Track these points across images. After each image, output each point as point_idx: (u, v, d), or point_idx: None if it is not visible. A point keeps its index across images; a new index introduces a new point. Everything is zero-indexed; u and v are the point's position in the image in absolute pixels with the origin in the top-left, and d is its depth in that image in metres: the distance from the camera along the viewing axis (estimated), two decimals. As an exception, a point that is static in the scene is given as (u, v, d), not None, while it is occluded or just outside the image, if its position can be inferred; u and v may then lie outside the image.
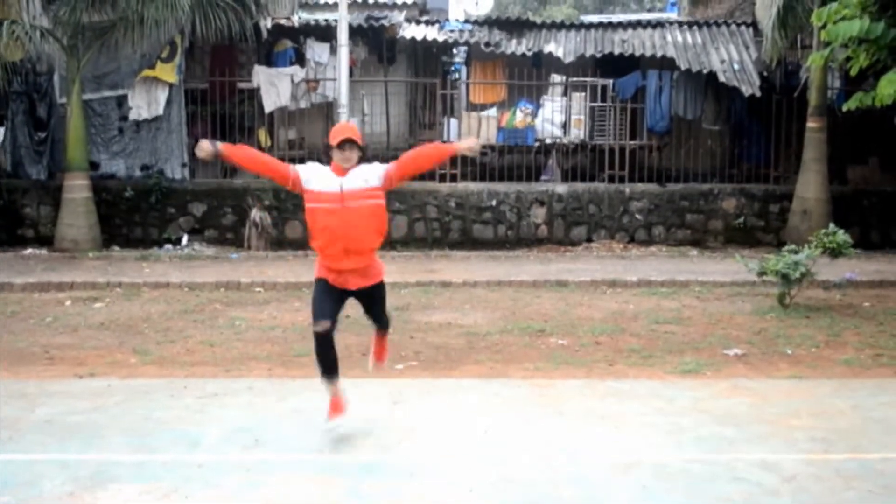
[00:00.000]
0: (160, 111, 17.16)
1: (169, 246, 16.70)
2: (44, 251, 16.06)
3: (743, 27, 18.70)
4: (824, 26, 12.15)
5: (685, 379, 8.71)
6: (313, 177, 6.76)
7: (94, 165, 16.97)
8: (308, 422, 7.38)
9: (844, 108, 13.09)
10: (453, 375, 8.81)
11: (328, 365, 7.08)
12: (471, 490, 5.96)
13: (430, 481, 6.12)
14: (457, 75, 18.55)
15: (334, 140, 6.71)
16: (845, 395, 8.15)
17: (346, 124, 7.78)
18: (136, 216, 17.15)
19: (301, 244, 16.73)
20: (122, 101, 17.33)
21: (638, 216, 17.40)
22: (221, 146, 6.80)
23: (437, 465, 6.44)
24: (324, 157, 6.99)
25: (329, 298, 6.98)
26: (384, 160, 17.04)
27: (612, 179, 17.56)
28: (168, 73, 17.09)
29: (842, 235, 11.99)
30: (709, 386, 8.47)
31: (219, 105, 17.55)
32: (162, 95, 17.14)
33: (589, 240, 17.30)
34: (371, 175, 6.78)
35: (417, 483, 6.10)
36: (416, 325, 10.91)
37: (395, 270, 14.30)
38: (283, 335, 10.48)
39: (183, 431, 7.11)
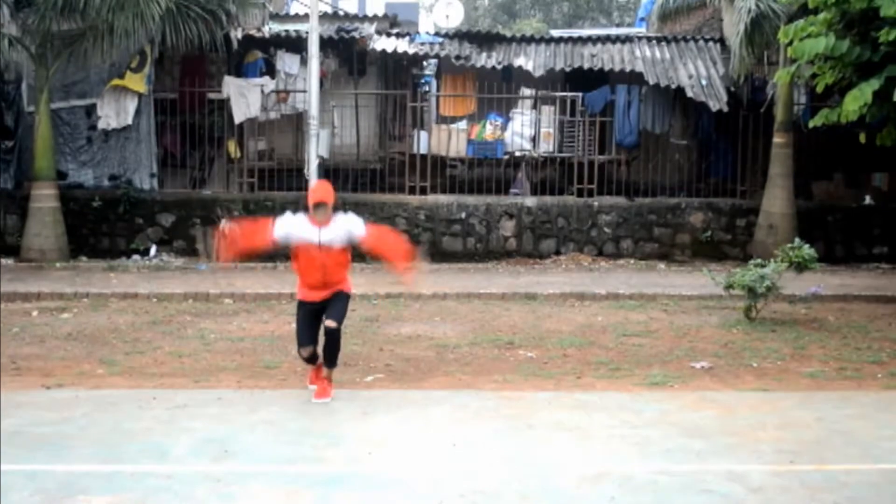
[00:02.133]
0: (129, 121, 17.07)
1: (137, 257, 16.61)
2: (10, 261, 15.92)
3: (711, 43, 18.87)
4: (791, 43, 12.33)
5: (653, 391, 8.78)
6: (294, 230, 8.12)
7: (61, 175, 16.85)
8: (278, 433, 7.41)
9: (811, 125, 13.29)
10: (423, 387, 8.84)
11: (313, 362, 8.48)
12: (440, 502, 5.99)
13: (399, 493, 6.15)
14: (427, 88, 18.59)
15: (310, 201, 8.11)
16: (810, 408, 8.26)
17: (321, 185, 8.92)
18: (104, 226, 17.04)
19: (270, 256, 16.72)
20: (90, 111, 17.22)
21: (606, 230, 17.50)
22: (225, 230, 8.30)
23: (406, 478, 6.46)
24: (303, 209, 8.28)
25: (309, 324, 8.32)
26: (354, 171, 17.07)
27: (580, 193, 17.65)
28: (137, 82, 17.02)
29: (807, 250, 12.12)
30: (676, 398, 8.55)
31: (188, 115, 17.47)
32: (131, 105, 17.06)
33: (558, 253, 17.37)
34: (343, 234, 8.13)
35: (386, 495, 6.12)
36: (386, 338, 10.92)
37: (364, 282, 14.27)
38: (252, 346, 10.46)
39: (152, 443, 7.10)
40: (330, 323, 8.17)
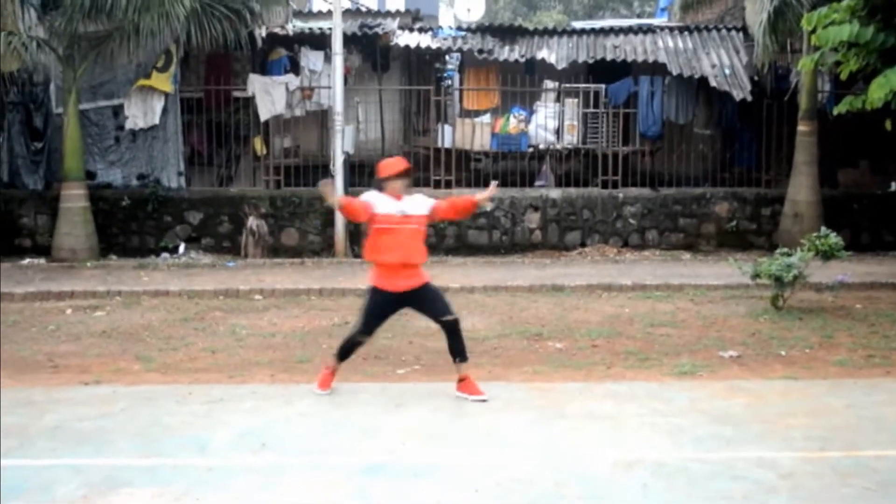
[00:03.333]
0: (156, 120, 17.25)
1: (166, 254, 16.78)
2: (42, 261, 16.15)
3: (733, 32, 18.88)
4: (814, 31, 12.32)
5: (682, 380, 8.85)
6: (378, 203, 8.14)
7: (90, 175, 17.05)
8: (314, 425, 7.53)
9: (835, 112, 13.28)
10: (453, 379, 8.90)
11: (345, 356, 8.50)
12: (476, 491, 6.10)
13: (436, 482, 6.26)
14: (449, 82, 18.68)
15: (391, 171, 8.16)
16: (839, 395, 8.31)
17: (394, 159, 8.64)
18: (133, 225, 17.23)
19: (297, 252, 16.90)
20: (118, 111, 17.41)
21: (631, 221, 17.55)
22: (340, 199, 8.64)
23: (441, 467, 6.57)
24: (376, 187, 8.37)
25: (381, 314, 8.34)
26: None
27: (605, 184, 17.70)
28: (163, 82, 17.19)
29: (834, 238, 12.14)
30: (705, 387, 8.62)
31: (214, 114, 17.65)
32: (158, 104, 17.24)
33: (583, 244, 17.43)
34: (419, 205, 8.24)
35: (423, 484, 6.23)
36: (415, 330, 11.01)
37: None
38: (283, 341, 10.60)
39: (191, 436, 7.23)
40: (447, 317, 8.14)
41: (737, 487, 6.12)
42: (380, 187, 8.27)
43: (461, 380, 8.29)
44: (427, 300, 8.24)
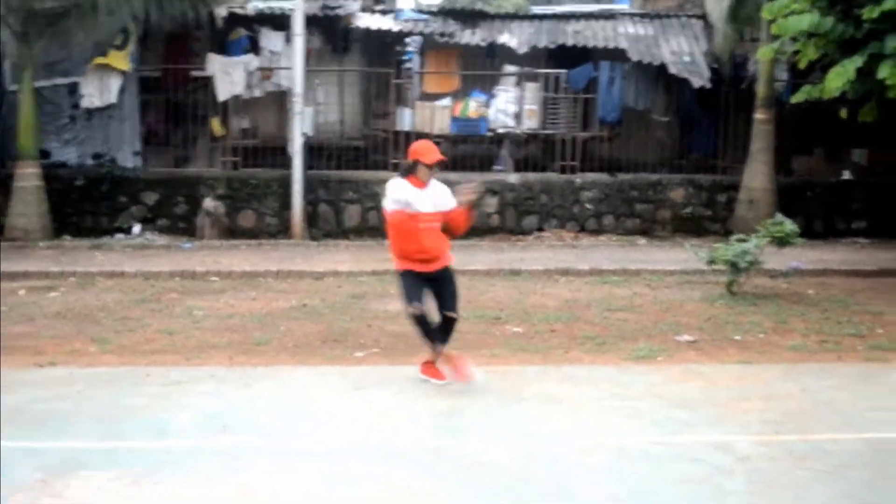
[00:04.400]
0: (113, 99, 17.02)
1: (121, 235, 16.59)
2: (-7, 240, 15.94)
3: (693, 19, 18.96)
4: (774, 20, 12.44)
5: (639, 365, 8.94)
6: (408, 196, 7.89)
7: (44, 154, 16.79)
8: (275, 408, 7.52)
9: (793, 101, 13.43)
10: (413, 363, 8.88)
11: (432, 335, 8.08)
12: (443, 476, 6.12)
13: (402, 466, 6.29)
14: (410, 65, 18.61)
15: (427, 160, 7.94)
16: (793, 379, 8.43)
17: (431, 143, 8.34)
18: (88, 205, 17.00)
19: (254, 234, 16.80)
20: (73, 89, 17.15)
21: (588, 206, 17.62)
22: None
23: (406, 451, 6.59)
24: (403, 170, 8.21)
25: (420, 286, 8.03)
26: (338, 149, 17.14)
27: (563, 170, 17.74)
28: (121, 60, 16.96)
29: (789, 225, 12.28)
30: (662, 371, 8.71)
31: (172, 93, 17.46)
32: (115, 83, 17.01)
33: (540, 229, 17.48)
34: (445, 196, 8.06)
35: (389, 468, 6.25)
36: (374, 314, 11.03)
37: (348, 259, 14.47)
38: (241, 324, 10.54)
39: (150, 419, 7.20)
40: (452, 314, 8.10)
41: (697, 471, 6.20)
42: (411, 170, 8.01)
43: (449, 358, 8.16)
44: (445, 289, 8.11)
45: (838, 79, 11.81)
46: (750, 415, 7.38)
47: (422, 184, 7.97)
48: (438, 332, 8.15)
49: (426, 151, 8.03)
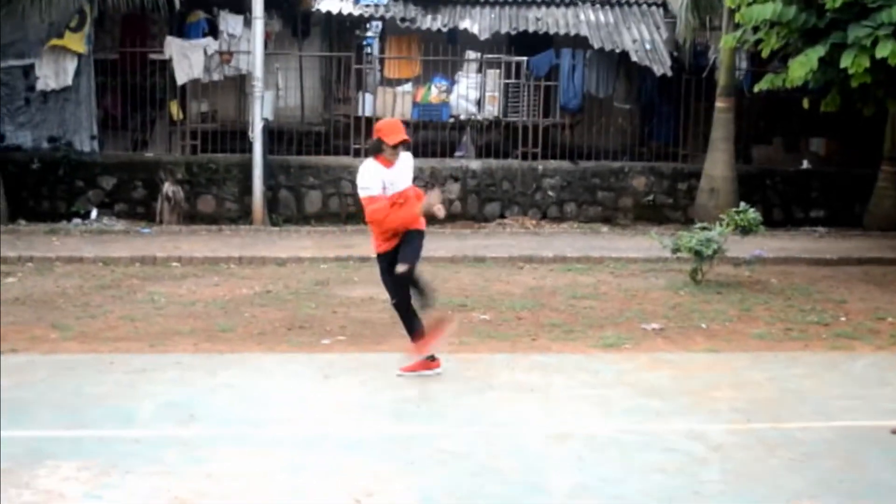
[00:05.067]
0: (69, 81, 16.70)
1: (77, 220, 16.32)
2: (-54, 224, 15.61)
3: (654, 7, 18.98)
4: (738, 9, 12.49)
5: (607, 353, 8.94)
6: (382, 177, 7.79)
7: (-1, 136, 16.53)
8: (242, 396, 7.42)
9: (756, 89, 13.53)
10: (380, 350, 8.88)
11: (413, 322, 8.04)
12: (411, 462, 6.07)
13: (370, 454, 6.22)
14: (369, 50, 18.47)
15: (391, 140, 7.76)
16: (761, 368, 8.47)
17: (396, 122, 8.30)
18: (43, 189, 16.70)
19: (214, 219, 16.61)
20: (28, 71, 16.79)
21: (550, 193, 17.62)
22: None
23: (374, 439, 6.54)
24: (370, 150, 8.15)
25: (389, 263, 7.89)
26: (299, 134, 16.98)
27: (525, 156, 17.72)
28: (77, 42, 16.65)
29: (752, 214, 12.36)
30: (631, 359, 8.71)
31: (129, 76, 17.18)
32: (71, 66, 16.69)
33: (502, 216, 17.45)
34: (410, 170, 8.03)
35: (356, 455, 6.19)
36: (338, 300, 10.93)
37: (310, 245, 14.35)
38: (204, 310, 10.41)
39: (115, 407, 7.07)
40: (402, 267, 7.75)
41: (669, 459, 6.20)
42: (377, 149, 7.90)
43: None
44: (405, 243, 7.94)
45: (801, 68, 11.89)
46: (720, 403, 7.39)
47: (389, 163, 7.84)
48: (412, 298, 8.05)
49: (389, 131, 7.87)
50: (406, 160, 8.02)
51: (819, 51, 11.73)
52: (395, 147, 7.79)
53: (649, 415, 7.11)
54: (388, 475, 5.85)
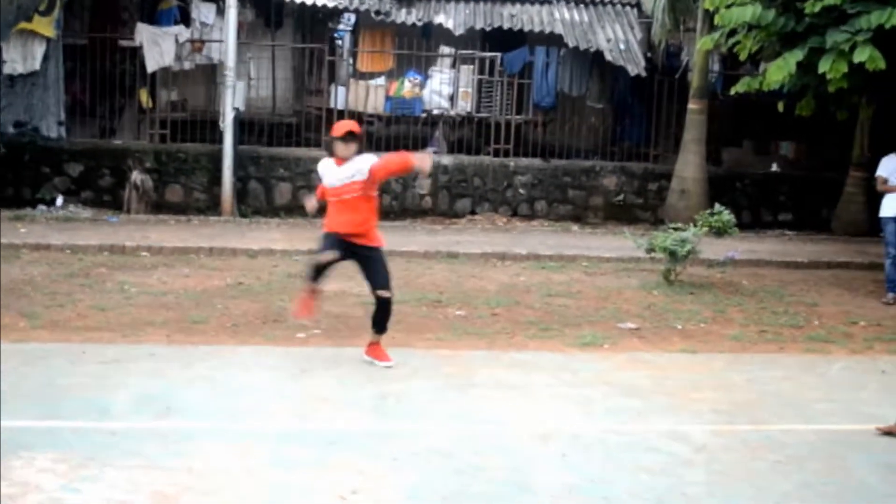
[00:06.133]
0: (36, 66, 16.40)
1: (43, 206, 16.05)
2: None
3: (628, 7, 18.97)
4: (716, 11, 12.49)
5: (585, 351, 8.91)
6: (325, 171, 8.14)
7: (-36, 120, 16.21)
8: (218, 389, 7.32)
9: (733, 91, 13.54)
10: (356, 344, 8.75)
11: (316, 276, 8.34)
12: (395, 459, 5.99)
13: (353, 450, 6.14)
14: (339, 42, 18.33)
15: (336, 133, 7.97)
16: (739, 369, 8.48)
17: (347, 120, 8.64)
18: (9, 175, 16.40)
19: (182, 209, 16.40)
20: (-6, 55, 16.57)
21: (521, 190, 17.58)
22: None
23: (355, 434, 6.46)
24: (325, 149, 8.55)
25: (335, 243, 8.06)
26: (269, 125, 16.82)
27: (497, 153, 17.66)
28: (45, 26, 16.36)
29: (727, 216, 12.39)
30: (608, 359, 8.69)
31: (99, 62, 16.93)
32: (39, 50, 16.40)
33: (473, 212, 17.38)
34: (361, 168, 7.93)
35: (339, 451, 6.11)
36: (312, 294, 10.80)
37: (280, 238, 14.20)
38: (176, 301, 10.25)
39: (89, 398, 6.94)
40: (383, 293, 8.03)
41: (654, 460, 6.17)
42: (329, 150, 8.17)
43: (372, 344, 8.23)
44: (371, 267, 8.12)
45: (779, 71, 11.91)
46: (701, 404, 7.38)
47: (340, 160, 7.97)
48: (375, 319, 8.21)
49: (336, 126, 8.17)
50: (361, 161, 7.99)
51: (797, 55, 11.75)
52: (341, 138, 7.91)
53: (631, 415, 7.09)
54: (372, 472, 5.78)
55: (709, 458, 6.24)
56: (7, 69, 16.42)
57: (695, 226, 12.28)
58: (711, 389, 7.78)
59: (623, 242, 13.87)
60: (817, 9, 11.43)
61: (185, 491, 5.42)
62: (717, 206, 12.66)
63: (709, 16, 14.74)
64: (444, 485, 5.67)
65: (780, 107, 13.35)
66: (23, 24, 16.23)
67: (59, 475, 5.53)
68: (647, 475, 5.92)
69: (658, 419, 7.01)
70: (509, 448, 6.28)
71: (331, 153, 8.11)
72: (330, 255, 8.06)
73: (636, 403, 7.33)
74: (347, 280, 11.39)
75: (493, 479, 5.79)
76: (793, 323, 10.36)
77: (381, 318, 8.16)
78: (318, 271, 8.29)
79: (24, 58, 16.38)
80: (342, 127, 8.04)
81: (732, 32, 13.08)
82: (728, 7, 12.20)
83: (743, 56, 12.85)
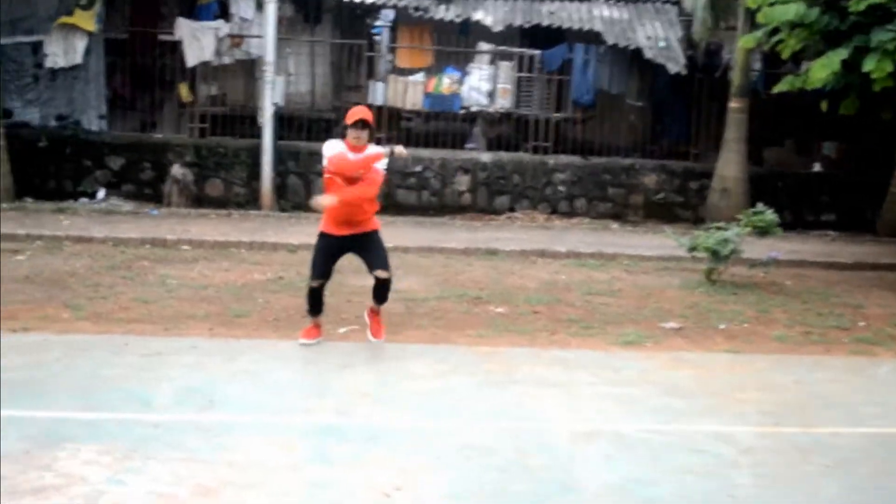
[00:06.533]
0: (78, 60, 16.55)
1: (84, 199, 16.18)
2: (-48, 200, 15.43)
3: (668, 5, 18.82)
4: (759, 9, 12.36)
5: (628, 350, 8.81)
6: (334, 154, 8.00)
7: (7, 113, 16.28)
8: (260, 383, 7.30)
9: (775, 90, 13.38)
10: (397, 340, 8.74)
11: (315, 308, 8.47)
12: (437, 457, 5.95)
13: (395, 447, 6.10)
14: (377, 38, 18.31)
15: (348, 119, 7.99)
16: (785, 371, 8.36)
17: (361, 107, 8.53)
18: (51, 167, 16.55)
19: (221, 203, 16.47)
20: (37, 48, 16.65)
21: (560, 188, 17.49)
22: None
23: (397, 431, 6.42)
24: (338, 134, 8.38)
25: (329, 257, 8.32)
26: (308, 120, 16.83)
27: (535, 150, 17.60)
28: (87, 20, 16.50)
29: (770, 215, 12.25)
30: (652, 358, 8.59)
31: (139, 57, 17.03)
32: (80, 44, 16.53)
33: (511, 209, 17.33)
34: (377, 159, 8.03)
35: (382, 448, 6.06)
36: (352, 289, 10.76)
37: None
38: (217, 294, 10.26)
39: (132, 390, 6.94)
40: (381, 273, 8.24)
41: (699, 461, 6.08)
42: (343, 133, 8.16)
43: (374, 313, 8.63)
44: (370, 250, 8.32)
45: (823, 70, 11.75)
46: (746, 405, 7.27)
47: (354, 147, 8.01)
48: (373, 294, 8.49)
49: (349, 114, 8.15)
50: (371, 150, 8.06)
51: (842, 53, 11.59)
52: (353, 126, 7.96)
53: (675, 415, 7.00)
54: (414, 469, 5.74)
55: (756, 460, 6.15)
56: (49, 63, 16.60)
57: (738, 225, 12.14)
58: (757, 390, 7.67)
59: (663, 241, 13.76)
60: (862, 7, 11.28)
61: (227, 485, 5.40)
62: (761, 206, 12.50)
63: (750, 14, 14.61)
64: (487, 482, 5.62)
65: (824, 106, 13.20)
66: (64, 19, 16.44)
67: (104, 467, 5.53)
68: (693, 477, 5.84)
69: (703, 420, 6.91)
70: (552, 446, 6.21)
71: (343, 137, 8.15)
72: (318, 282, 8.29)
73: (680, 403, 7.24)
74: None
75: (536, 477, 5.73)
76: (838, 325, 10.20)
77: (380, 294, 8.46)
78: (315, 298, 8.39)
79: (65, 52, 16.55)
80: (354, 114, 8.08)
81: (775, 31, 12.92)
82: (771, 5, 12.07)
83: (785, 55, 12.69)
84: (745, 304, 10.97)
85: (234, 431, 6.23)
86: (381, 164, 8.12)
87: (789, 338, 9.57)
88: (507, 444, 6.19)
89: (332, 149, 8.07)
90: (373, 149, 8.10)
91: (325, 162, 8.09)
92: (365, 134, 8.02)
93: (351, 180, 8.02)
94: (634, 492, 5.61)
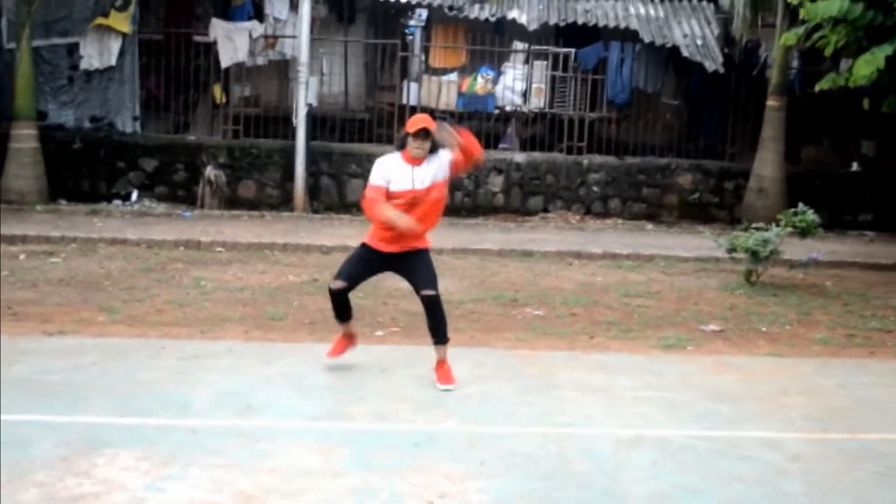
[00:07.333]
0: (112, 61, 16.58)
1: (118, 201, 16.19)
2: (-12, 202, 15.49)
3: (704, 3, 18.62)
4: (801, 5, 12.17)
5: (669, 354, 8.68)
6: (390, 173, 7.23)
7: (41, 115, 16.33)
8: (298, 387, 7.23)
9: (817, 88, 13.17)
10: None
11: (341, 312, 7.64)
12: (482, 463, 5.85)
13: (437, 453, 6.01)
14: (410, 37, 18.24)
15: (409, 129, 7.17)
16: (829, 375, 8.20)
17: (422, 115, 7.58)
18: (84, 169, 16.57)
19: (254, 204, 16.43)
20: (72, 50, 16.68)
21: (595, 188, 17.34)
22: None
23: (439, 436, 6.34)
24: (396, 144, 7.51)
25: (361, 265, 7.54)
26: (342, 121, 16.76)
27: (570, 150, 17.46)
28: (122, 22, 16.52)
29: (811, 216, 12.07)
30: (694, 361, 8.45)
31: (173, 58, 17.03)
32: (115, 45, 16.56)
33: (545, 210, 17.19)
34: (438, 168, 7.27)
35: (424, 454, 5.97)
36: (387, 291, 10.68)
37: (355, 234, 14.02)
38: (252, 297, 10.21)
39: (169, 394, 6.88)
40: (427, 291, 7.32)
41: (746, 468, 5.95)
42: (402, 143, 7.30)
43: (439, 362, 7.50)
44: (419, 268, 7.47)
45: (867, 67, 11.54)
46: (792, 410, 7.12)
47: (413, 160, 7.19)
48: (430, 327, 7.47)
49: (410, 121, 7.32)
50: (439, 158, 7.28)
51: (886, 49, 11.39)
52: (415, 135, 7.10)
53: (720, 420, 6.86)
54: (459, 476, 5.63)
55: (805, 467, 6.00)
56: (84, 64, 16.64)
57: (777, 225, 11.96)
58: (802, 395, 7.51)
59: (700, 242, 13.61)
60: (907, 2, 11.08)
61: (269, 492, 5.32)
62: (801, 206, 12.30)
63: (790, 10, 14.42)
64: (532, 490, 5.51)
65: (866, 104, 12.96)
66: (99, 20, 16.46)
67: (143, 473, 5.47)
68: (741, 484, 5.71)
69: (749, 425, 6.77)
70: (596, 452, 6.10)
71: (400, 147, 7.33)
72: (339, 283, 7.41)
73: (725, 409, 7.10)
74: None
75: (581, 484, 5.63)
76: (881, 327, 10.02)
77: (435, 323, 7.42)
78: (341, 304, 7.54)
79: (100, 53, 16.58)
80: (417, 122, 7.20)
81: (816, 27, 12.72)
82: (813, 1, 11.88)
83: (828, 52, 12.47)
84: (787, 307, 10.80)
85: (273, 437, 6.15)
86: (447, 159, 7.28)
87: (833, 340, 9.41)
88: (550, 451, 6.09)
89: (381, 175, 7.25)
90: (437, 158, 7.26)
91: (371, 179, 7.31)
92: (427, 145, 7.14)
93: (413, 202, 7.27)
94: (681, 500, 5.48)
